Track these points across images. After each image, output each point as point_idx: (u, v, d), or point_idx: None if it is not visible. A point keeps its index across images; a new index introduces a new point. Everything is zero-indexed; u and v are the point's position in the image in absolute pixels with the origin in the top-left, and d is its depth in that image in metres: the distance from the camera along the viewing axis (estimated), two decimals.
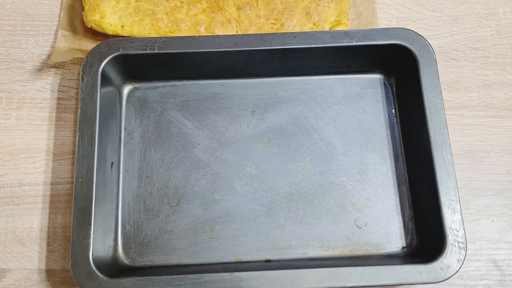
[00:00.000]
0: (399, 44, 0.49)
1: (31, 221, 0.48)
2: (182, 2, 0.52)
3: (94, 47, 0.48)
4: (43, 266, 0.47)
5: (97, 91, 0.47)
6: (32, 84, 0.52)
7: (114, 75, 0.50)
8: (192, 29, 0.52)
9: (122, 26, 0.51)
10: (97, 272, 0.42)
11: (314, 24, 0.52)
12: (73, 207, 0.44)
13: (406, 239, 0.48)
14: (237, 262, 0.47)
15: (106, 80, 0.48)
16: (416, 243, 0.47)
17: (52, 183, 0.49)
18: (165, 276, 0.42)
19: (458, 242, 0.44)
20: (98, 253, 0.44)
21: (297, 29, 0.52)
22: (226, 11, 0.52)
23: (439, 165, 0.45)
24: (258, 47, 0.49)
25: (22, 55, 0.53)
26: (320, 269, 0.43)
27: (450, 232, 0.44)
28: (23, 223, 0.48)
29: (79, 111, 0.47)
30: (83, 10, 0.51)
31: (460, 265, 0.43)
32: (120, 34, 0.51)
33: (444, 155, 0.46)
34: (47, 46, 0.54)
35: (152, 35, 0.51)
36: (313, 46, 0.49)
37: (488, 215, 0.49)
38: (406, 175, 0.49)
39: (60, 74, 0.52)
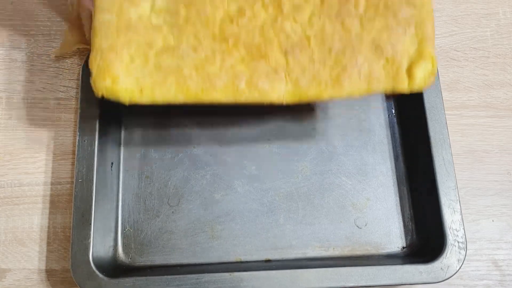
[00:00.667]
0: None
1: (31, 221, 0.48)
2: (214, 51, 0.40)
3: None
4: (43, 266, 0.47)
5: None
6: (32, 84, 0.52)
7: None
8: (230, 85, 0.40)
9: (141, 90, 0.40)
10: (97, 272, 0.42)
11: (387, 60, 0.40)
12: (73, 207, 0.44)
13: (406, 239, 0.48)
14: (237, 262, 0.47)
15: None
16: (416, 243, 0.47)
17: (52, 183, 0.49)
18: (165, 276, 0.42)
19: (458, 242, 0.44)
20: (98, 253, 0.44)
21: (364, 71, 0.40)
22: (271, 57, 0.40)
23: (439, 165, 0.46)
24: None
25: (22, 55, 0.53)
26: (320, 269, 0.43)
27: (450, 232, 0.44)
28: (23, 223, 0.48)
29: (79, 111, 0.47)
30: (91, 75, 0.40)
31: (460, 265, 0.43)
32: (139, 102, 0.40)
33: (444, 155, 0.46)
34: (47, 46, 0.54)
35: (180, 98, 0.40)
36: None
37: (488, 215, 0.49)
38: (406, 175, 0.49)
39: (60, 74, 0.52)
